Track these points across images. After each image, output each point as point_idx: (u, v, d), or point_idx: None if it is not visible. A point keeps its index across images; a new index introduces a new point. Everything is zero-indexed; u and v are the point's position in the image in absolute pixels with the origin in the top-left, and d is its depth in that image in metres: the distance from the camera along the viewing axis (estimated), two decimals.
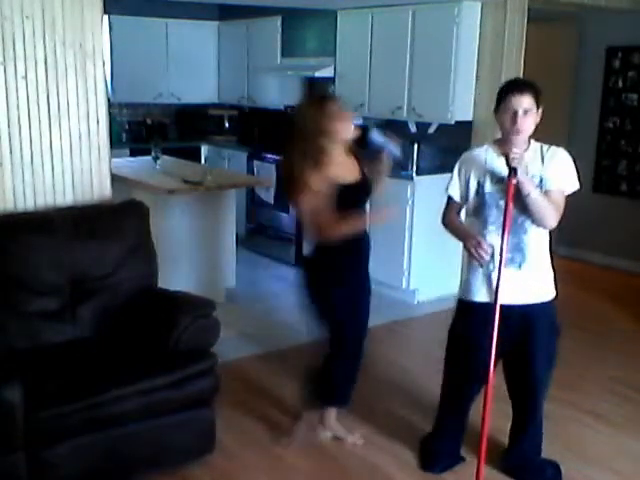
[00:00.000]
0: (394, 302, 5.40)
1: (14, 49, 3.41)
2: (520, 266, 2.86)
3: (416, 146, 5.50)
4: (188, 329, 3.11)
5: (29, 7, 3.41)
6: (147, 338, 3.17)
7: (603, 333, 5.04)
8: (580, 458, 3.34)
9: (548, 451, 3.25)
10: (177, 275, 4.68)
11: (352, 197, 3.10)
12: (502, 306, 2.81)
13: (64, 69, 3.57)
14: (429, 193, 5.16)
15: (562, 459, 3.25)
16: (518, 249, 2.84)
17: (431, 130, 5.66)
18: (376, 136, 3.11)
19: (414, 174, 5.36)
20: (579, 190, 2.94)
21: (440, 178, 5.19)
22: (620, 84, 6.46)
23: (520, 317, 2.89)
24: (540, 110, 2.81)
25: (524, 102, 2.74)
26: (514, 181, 2.69)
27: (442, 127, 5.53)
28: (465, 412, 3.21)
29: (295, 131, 3.09)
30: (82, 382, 2.86)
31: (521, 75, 5.20)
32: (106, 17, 6.33)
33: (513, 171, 2.68)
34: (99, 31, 3.67)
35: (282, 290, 5.71)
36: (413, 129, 5.80)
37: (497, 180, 2.87)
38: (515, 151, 2.69)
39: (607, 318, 5.37)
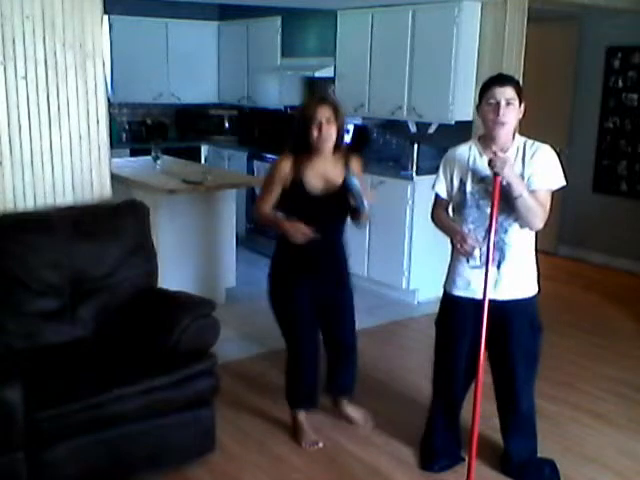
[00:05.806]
0: (394, 302, 5.40)
1: (14, 49, 3.41)
2: (499, 265, 2.88)
3: (416, 146, 5.49)
4: (188, 329, 3.11)
5: (29, 7, 3.41)
6: (147, 338, 3.17)
7: (603, 333, 5.03)
8: (580, 458, 3.34)
9: (548, 451, 3.25)
10: (177, 275, 4.67)
11: (310, 207, 3.14)
12: (480, 301, 2.84)
13: (64, 69, 3.57)
14: (429, 193, 5.12)
15: (562, 459, 3.25)
16: (497, 248, 2.85)
17: (431, 130, 5.65)
18: (354, 181, 3.10)
19: (414, 174, 5.36)
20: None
21: None
22: (620, 84, 6.46)
23: (497, 312, 2.87)
24: (523, 106, 2.82)
25: (506, 93, 2.77)
26: (504, 182, 2.69)
27: (442, 127, 5.52)
28: (453, 408, 3.21)
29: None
30: (82, 382, 2.86)
31: (521, 75, 5.20)
32: (106, 17, 6.34)
33: (496, 174, 2.69)
34: (99, 31, 3.67)
35: None
36: (413, 129, 5.80)
37: (479, 179, 2.88)
38: (500, 156, 2.69)
39: (607, 318, 5.37)
